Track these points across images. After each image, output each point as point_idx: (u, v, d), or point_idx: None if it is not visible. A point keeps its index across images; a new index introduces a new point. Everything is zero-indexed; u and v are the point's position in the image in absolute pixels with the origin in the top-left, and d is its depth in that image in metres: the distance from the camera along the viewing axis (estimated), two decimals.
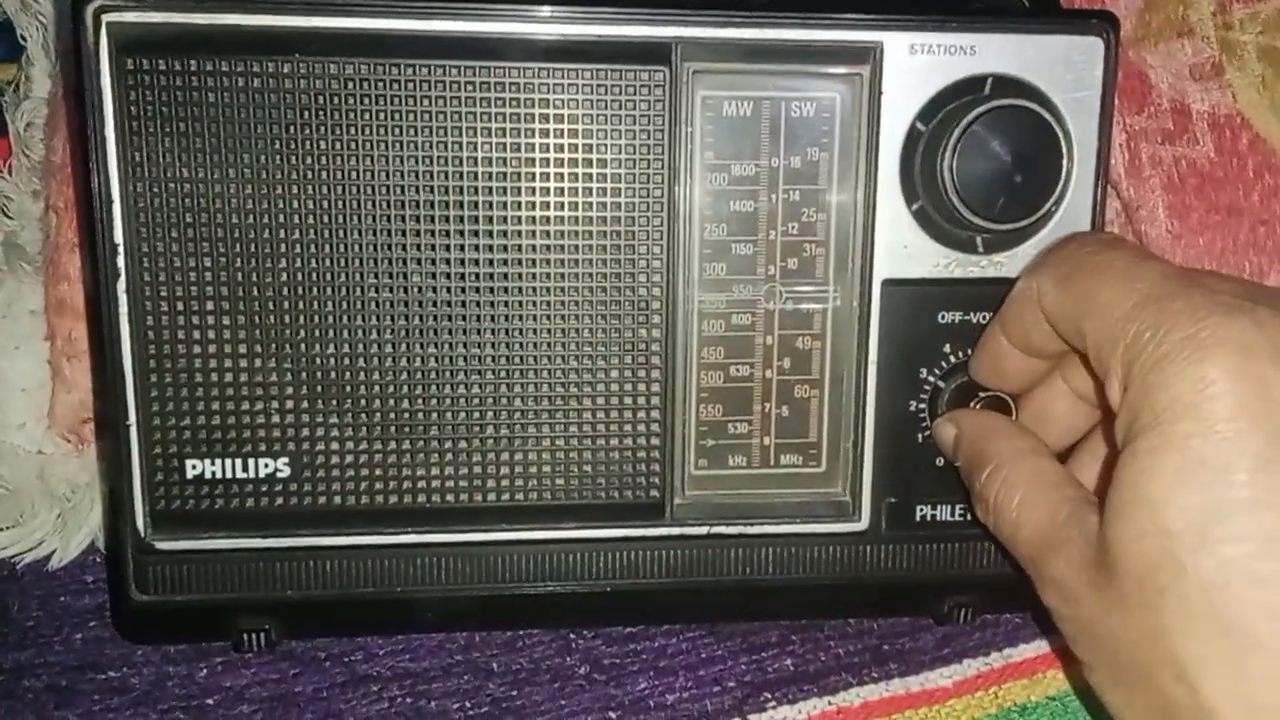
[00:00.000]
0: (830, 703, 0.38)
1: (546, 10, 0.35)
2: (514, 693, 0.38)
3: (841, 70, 0.36)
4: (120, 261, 0.34)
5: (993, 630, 0.41)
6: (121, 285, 0.34)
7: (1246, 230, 0.44)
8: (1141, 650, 0.28)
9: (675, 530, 0.38)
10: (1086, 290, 0.31)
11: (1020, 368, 0.36)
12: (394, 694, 0.38)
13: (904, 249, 0.37)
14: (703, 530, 0.38)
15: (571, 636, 0.40)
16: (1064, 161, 0.35)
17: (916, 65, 0.36)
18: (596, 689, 0.38)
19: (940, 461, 0.38)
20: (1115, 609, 0.29)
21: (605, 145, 0.36)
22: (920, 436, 0.38)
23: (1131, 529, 0.28)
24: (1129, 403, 0.28)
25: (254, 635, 0.37)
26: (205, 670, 0.38)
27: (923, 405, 0.38)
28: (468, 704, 0.38)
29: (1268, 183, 0.43)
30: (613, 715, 0.37)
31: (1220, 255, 0.43)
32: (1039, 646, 0.41)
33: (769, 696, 0.38)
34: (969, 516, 0.38)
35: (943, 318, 0.38)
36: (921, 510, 0.39)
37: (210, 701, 0.37)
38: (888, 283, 0.37)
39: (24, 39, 0.47)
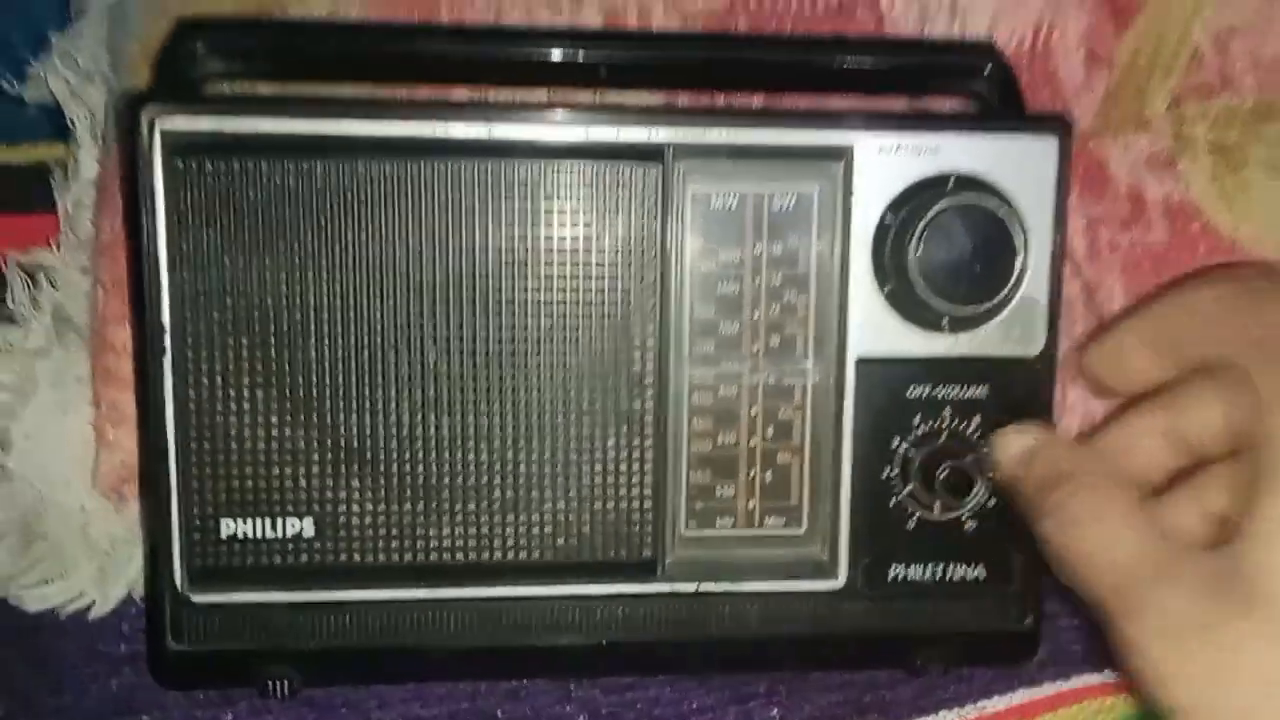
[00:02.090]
0: None
1: (559, 114, 0.38)
2: None
3: (818, 168, 0.40)
4: (166, 340, 0.37)
5: (968, 683, 0.43)
6: (167, 361, 0.37)
7: None
8: None
9: (667, 587, 0.40)
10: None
11: (1145, 365, 0.36)
12: None
13: (876, 329, 0.40)
14: (692, 587, 0.41)
15: (571, 686, 0.42)
16: (1019, 252, 0.38)
17: (885, 164, 0.39)
18: None
19: (911, 525, 0.41)
20: (1258, 639, 0.29)
21: (605, 234, 0.39)
22: (893, 501, 0.41)
23: None
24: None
25: (278, 683, 0.39)
26: (231, 715, 0.41)
27: (895, 473, 0.40)
28: None
29: None
30: None
31: None
32: (1010, 700, 0.43)
33: None
34: (938, 577, 0.41)
35: (912, 391, 0.40)
36: (894, 570, 0.41)
37: None
38: (862, 360, 0.40)
39: (72, 123, 0.50)
